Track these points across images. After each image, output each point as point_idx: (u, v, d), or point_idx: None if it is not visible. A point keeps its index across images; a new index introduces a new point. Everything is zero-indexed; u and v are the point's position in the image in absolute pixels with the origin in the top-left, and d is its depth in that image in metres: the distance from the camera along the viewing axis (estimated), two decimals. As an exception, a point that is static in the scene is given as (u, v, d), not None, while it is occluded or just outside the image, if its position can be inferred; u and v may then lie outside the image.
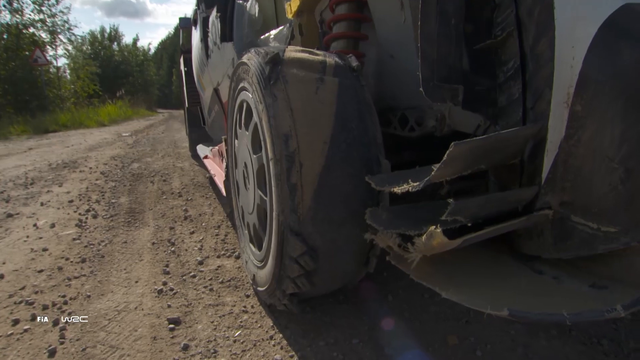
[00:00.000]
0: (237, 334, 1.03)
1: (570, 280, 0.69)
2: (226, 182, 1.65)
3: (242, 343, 0.99)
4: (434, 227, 0.60)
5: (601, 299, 0.61)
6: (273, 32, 1.64)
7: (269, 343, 0.99)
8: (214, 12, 1.79)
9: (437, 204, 0.86)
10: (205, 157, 2.66)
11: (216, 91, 2.24)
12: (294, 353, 0.94)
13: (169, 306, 1.17)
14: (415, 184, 0.63)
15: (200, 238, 1.77)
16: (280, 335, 1.01)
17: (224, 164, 1.85)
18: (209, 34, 1.90)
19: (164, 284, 1.32)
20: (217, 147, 2.28)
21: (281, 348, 0.96)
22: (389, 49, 1.22)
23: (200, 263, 1.50)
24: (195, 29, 2.44)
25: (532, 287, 0.67)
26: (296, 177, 0.83)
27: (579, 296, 0.64)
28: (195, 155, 4.10)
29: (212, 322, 1.08)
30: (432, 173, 0.60)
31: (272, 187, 0.90)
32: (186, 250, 1.64)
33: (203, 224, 1.97)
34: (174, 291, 1.27)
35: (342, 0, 1.30)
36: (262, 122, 0.94)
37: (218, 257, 1.56)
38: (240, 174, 1.28)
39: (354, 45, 1.34)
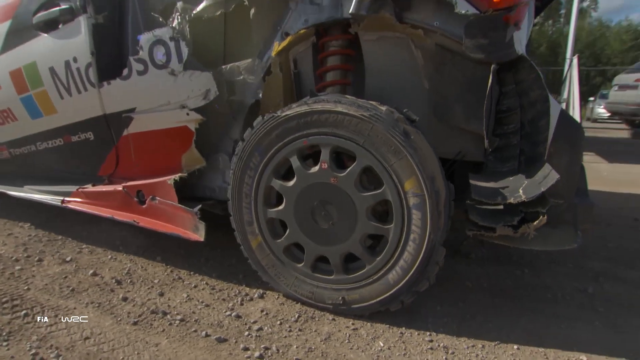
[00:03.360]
0: (409, 348, 1.23)
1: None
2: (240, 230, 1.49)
3: (431, 342, 1.22)
4: (542, 216, 1.20)
5: (563, 230, 1.42)
6: (241, 63, 1.63)
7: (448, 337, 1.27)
8: (166, 31, 1.48)
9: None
10: (66, 201, 1.94)
11: (107, 118, 1.77)
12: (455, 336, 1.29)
13: None
14: (532, 195, 1.19)
15: (185, 296, 1.52)
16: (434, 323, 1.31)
17: (176, 204, 1.64)
18: (141, 53, 1.52)
19: (246, 349, 1.20)
20: (116, 187, 1.80)
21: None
22: (375, 95, 1.65)
23: (238, 317, 1.38)
24: (51, 32, 1.74)
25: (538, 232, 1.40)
26: (441, 205, 1.20)
27: (554, 231, 1.42)
28: None
29: (386, 345, 1.21)
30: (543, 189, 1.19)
31: (415, 215, 1.20)
32: (193, 312, 1.41)
33: (156, 281, 1.62)
34: (277, 350, 1.20)
35: (334, 53, 1.60)
36: (392, 166, 1.21)
37: (241, 304, 1.47)
38: (302, 211, 1.36)
39: (344, 91, 1.67)
